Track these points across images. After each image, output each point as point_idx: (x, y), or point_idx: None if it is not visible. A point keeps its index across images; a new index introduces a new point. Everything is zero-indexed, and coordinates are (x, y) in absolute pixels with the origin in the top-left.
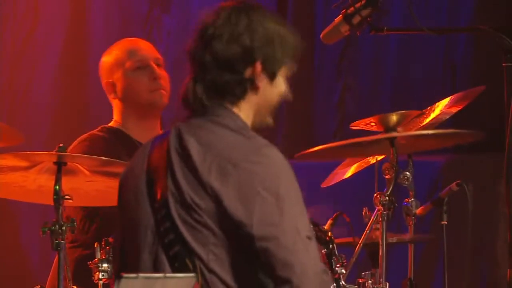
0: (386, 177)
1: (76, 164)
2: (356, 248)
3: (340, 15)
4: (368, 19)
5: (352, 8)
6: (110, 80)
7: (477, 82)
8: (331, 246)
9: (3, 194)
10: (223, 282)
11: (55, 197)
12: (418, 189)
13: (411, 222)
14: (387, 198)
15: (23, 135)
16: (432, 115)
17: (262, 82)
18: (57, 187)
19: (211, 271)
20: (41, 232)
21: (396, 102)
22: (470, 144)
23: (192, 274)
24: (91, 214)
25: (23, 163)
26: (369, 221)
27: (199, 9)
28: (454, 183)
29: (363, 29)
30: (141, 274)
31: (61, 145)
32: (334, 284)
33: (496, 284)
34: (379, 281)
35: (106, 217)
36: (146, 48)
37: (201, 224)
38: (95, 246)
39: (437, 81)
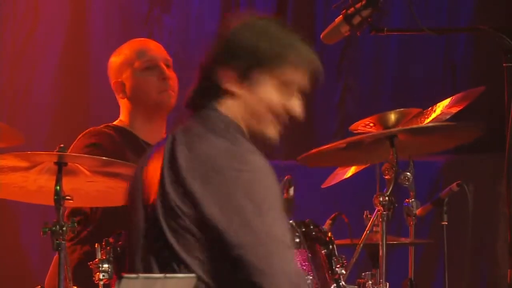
0: (386, 177)
1: (77, 164)
2: (356, 249)
3: (340, 16)
4: (369, 19)
5: (352, 9)
6: (119, 80)
7: (477, 83)
8: (331, 246)
9: (3, 194)
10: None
11: (55, 197)
12: (419, 190)
13: (411, 223)
14: (386, 198)
15: (23, 135)
16: (433, 115)
17: (236, 86)
18: (58, 187)
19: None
20: (41, 233)
21: (397, 102)
22: (470, 145)
23: (192, 275)
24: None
25: (24, 164)
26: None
27: (199, 9)
28: (455, 183)
29: (364, 29)
30: (141, 275)
31: (62, 145)
32: (334, 285)
33: (496, 284)
34: (379, 281)
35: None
36: (155, 49)
37: (186, 230)
38: (96, 246)
39: (437, 81)
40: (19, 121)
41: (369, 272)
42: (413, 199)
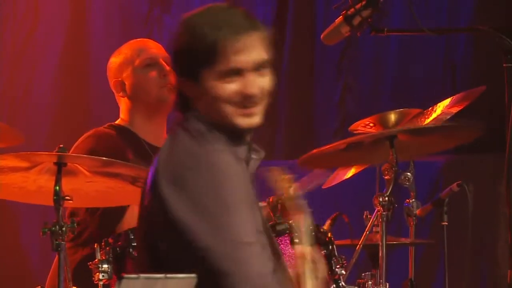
0: (386, 177)
1: (76, 164)
2: (356, 249)
3: (341, 16)
4: (369, 20)
5: (352, 9)
6: (119, 79)
7: (478, 83)
8: (331, 247)
9: (3, 195)
10: None
11: (55, 197)
12: (419, 190)
13: (412, 223)
14: (386, 198)
15: (23, 135)
16: (433, 115)
17: (191, 90)
18: (57, 187)
19: None
20: (41, 233)
21: (397, 102)
22: (471, 145)
23: (193, 275)
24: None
25: (23, 164)
26: (368, 223)
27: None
28: (455, 183)
29: (364, 30)
30: (142, 275)
31: (61, 145)
32: (334, 285)
33: (496, 284)
34: (379, 282)
35: (108, 211)
36: (155, 47)
37: (162, 236)
38: (95, 246)
39: (437, 82)
40: (19, 121)
41: (369, 273)
42: (413, 200)
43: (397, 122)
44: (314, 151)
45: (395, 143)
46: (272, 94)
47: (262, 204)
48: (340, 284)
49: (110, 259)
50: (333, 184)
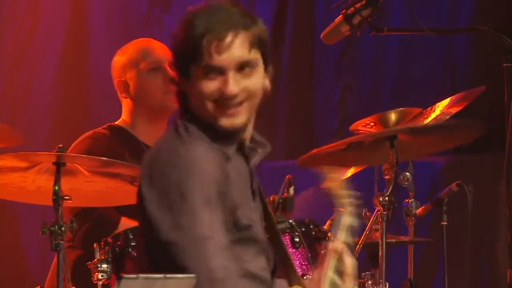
0: (386, 177)
1: (76, 164)
2: (356, 249)
3: (340, 15)
4: (369, 19)
5: (352, 8)
6: (123, 79)
7: (477, 83)
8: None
9: (2, 195)
10: None
11: (54, 197)
12: (418, 190)
13: (411, 223)
14: (386, 198)
15: (22, 135)
16: (433, 115)
17: (182, 86)
18: (56, 187)
19: None
20: (40, 233)
21: (397, 102)
22: (470, 145)
23: (192, 275)
24: (79, 217)
25: (23, 164)
26: (368, 222)
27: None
28: (454, 183)
29: (364, 29)
30: (141, 275)
31: (61, 145)
32: None
33: (496, 284)
34: (379, 281)
35: (98, 222)
36: (160, 49)
37: (145, 234)
38: (94, 246)
39: (437, 81)
40: (19, 121)
41: (369, 272)
42: (412, 199)
43: (398, 122)
44: (314, 151)
45: (395, 143)
46: (261, 95)
47: None
48: None
49: (109, 259)
50: None
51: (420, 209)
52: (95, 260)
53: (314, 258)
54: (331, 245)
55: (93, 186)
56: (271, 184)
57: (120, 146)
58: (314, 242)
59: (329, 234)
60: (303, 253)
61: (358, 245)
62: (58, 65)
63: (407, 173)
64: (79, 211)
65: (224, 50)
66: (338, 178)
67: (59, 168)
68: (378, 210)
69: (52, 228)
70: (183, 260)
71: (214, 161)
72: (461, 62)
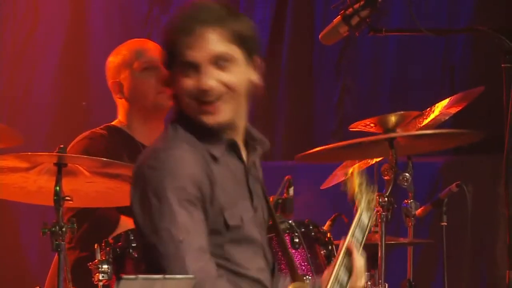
0: (385, 178)
1: (76, 165)
2: None
3: (339, 16)
4: (367, 20)
5: (351, 9)
6: (117, 80)
7: (476, 83)
8: (330, 247)
9: (3, 195)
10: None
11: (55, 198)
12: (418, 190)
13: (410, 223)
14: (386, 199)
15: (23, 136)
16: (431, 116)
17: (171, 85)
18: (58, 188)
19: None
20: (41, 233)
21: (395, 103)
22: (470, 145)
23: (191, 276)
24: (79, 217)
25: (24, 164)
26: None
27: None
28: (454, 184)
29: (362, 30)
30: (140, 275)
31: (62, 146)
32: None
33: (495, 285)
34: (378, 282)
35: (97, 222)
36: (154, 49)
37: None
38: (95, 247)
39: (436, 82)
40: (19, 122)
41: (368, 273)
42: (412, 200)
43: (397, 124)
44: (313, 150)
45: (394, 143)
46: (245, 89)
47: None
48: None
49: (110, 259)
50: (332, 184)
51: (419, 210)
52: (96, 261)
53: (314, 259)
54: (342, 242)
55: (94, 187)
56: (270, 184)
57: (118, 146)
58: (314, 243)
59: (329, 235)
60: (302, 254)
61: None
62: (58, 65)
63: (407, 174)
64: (78, 211)
65: (194, 45)
66: (356, 173)
67: (60, 169)
68: (378, 211)
69: (53, 229)
70: (161, 263)
71: (195, 163)
72: (460, 62)
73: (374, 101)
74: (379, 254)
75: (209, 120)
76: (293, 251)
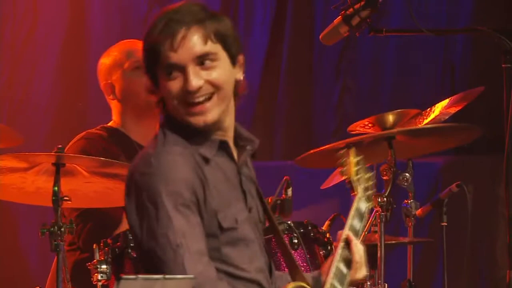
0: (384, 178)
1: (75, 165)
2: None
3: (339, 16)
4: (367, 20)
5: (351, 9)
6: (109, 82)
7: (476, 83)
8: (329, 247)
9: (1, 195)
10: None
11: (53, 198)
12: (418, 190)
13: (410, 224)
14: (385, 199)
15: (22, 136)
16: (431, 116)
17: (156, 90)
18: (56, 188)
19: None
20: (39, 234)
21: (395, 103)
22: (470, 145)
23: (191, 276)
24: (83, 216)
25: (22, 164)
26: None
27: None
28: (454, 184)
29: (362, 30)
30: (140, 275)
31: (60, 146)
32: None
33: (495, 285)
34: (378, 282)
35: (102, 221)
36: None
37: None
38: (94, 247)
39: (436, 82)
40: (18, 122)
41: (368, 273)
42: (412, 200)
43: (396, 123)
44: (312, 151)
45: (393, 143)
46: (231, 87)
47: None
48: None
49: (109, 259)
50: (331, 185)
51: (419, 210)
52: (95, 261)
53: (313, 259)
54: (339, 233)
55: (92, 187)
56: (269, 184)
57: (115, 147)
58: (313, 243)
59: (328, 235)
60: (301, 254)
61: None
62: (58, 65)
63: (407, 174)
64: (83, 211)
65: (178, 46)
66: (354, 161)
67: (59, 169)
68: (377, 211)
69: (52, 229)
70: (160, 268)
71: (187, 167)
72: (460, 62)
73: (374, 101)
74: (379, 254)
75: (198, 121)
76: (292, 251)
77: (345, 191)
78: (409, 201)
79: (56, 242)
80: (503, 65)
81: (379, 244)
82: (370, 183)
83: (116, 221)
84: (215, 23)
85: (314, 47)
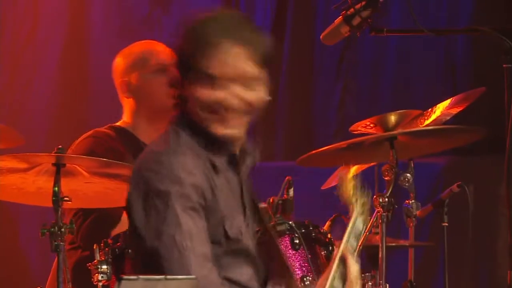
0: (386, 178)
1: (75, 165)
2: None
3: (340, 17)
4: (368, 20)
5: (352, 10)
6: (126, 79)
7: (477, 84)
8: (330, 248)
9: (2, 196)
10: None
11: (54, 198)
12: (419, 191)
13: (411, 224)
14: (386, 199)
15: (22, 136)
16: (433, 117)
17: (184, 90)
18: (56, 188)
19: None
20: (40, 234)
21: (396, 104)
22: (471, 146)
23: (193, 276)
24: (82, 213)
25: (22, 165)
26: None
27: (200, 10)
28: (455, 184)
29: (363, 30)
30: (141, 276)
31: (60, 146)
32: None
33: (496, 285)
34: (379, 283)
35: (100, 217)
36: (165, 52)
37: (133, 239)
38: (94, 247)
39: (437, 83)
40: (18, 122)
41: (369, 274)
42: (413, 200)
43: (397, 123)
44: (313, 152)
45: (395, 143)
46: (260, 109)
47: (262, 205)
48: None
49: (109, 260)
50: (333, 185)
51: (420, 210)
52: (95, 261)
53: (314, 260)
54: (336, 250)
55: (93, 187)
56: (270, 185)
57: (122, 146)
58: (314, 244)
59: (329, 235)
60: (303, 254)
61: (358, 247)
62: (58, 66)
63: (408, 174)
64: (81, 208)
65: (225, 61)
66: (349, 179)
67: (59, 169)
68: (378, 211)
69: (52, 229)
70: (164, 269)
71: (198, 170)
72: (461, 63)
73: (375, 102)
74: (380, 255)
75: (220, 130)
76: (294, 252)
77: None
78: (410, 202)
79: (56, 243)
80: (504, 65)
81: (380, 244)
82: (367, 200)
83: (115, 218)
84: (263, 43)
85: (315, 47)
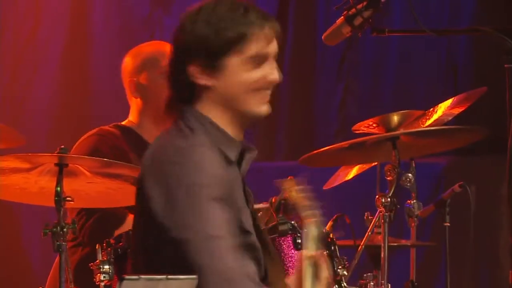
0: (388, 178)
1: (77, 165)
2: (358, 250)
3: (342, 17)
4: (370, 20)
5: (353, 10)
6: (135, 79)
7: (479, 84)
8: (333, 248)
9: (4, 196)
10: None
11: (56, 198)
12: (420, 191)
13: (413, 224)
14: (388, 199)
15: (24, 136)
16: (435, 117)
17: (206, 79)
18: (59, 188)
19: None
20: (42, 234)
21: (398, 104)
22: (473, 146)
23: (194, 276)
24: (86, 211)
25: (25, 165)
26: (370, 224)
27: None
28: (457, 184)
29: (365, 30)
30: (143, 276)
31: (63, 146)
32: (336, 286)
33: (498, 285)
34: (381, 283)
35: (105, 216)
36: None
37: (146, 234)
38: (96, 247)
39: (438, 83)
40: (20, 122)
41: (371, 274)
42: (414, 201)
43: (400, 123)
44: (315, 152)
45: (397, 143)
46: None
47: (264, 204)
48: (342, 284)
49: (111, 260)
50: (335, 185)
51: (422, 210)
52: (97, 261)
53: None
54: (303, 254)
55: (95, 187)
56: (271, 185)
57: (126, 145)
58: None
59: (331, 235)
60: None
61: (360, 247)
62: (59, 66)
63: (409, 174)
64: (85, 207)
65: (269, 39)
66: (296, 189)
67: (61, 169)
68: (380, 211)
69: (54, 229)
70: (194, 258)
71: (218, 162)
72: (462, 63)
73: (376, 102)
74: (382, 255)
75: (265, 110)
76: (296, 251)
77: (348, 192)
78: (412, 202)
79: (58, 243)
80: (505, 65)
81: (382, 244)
82: (310, 203)
83: (120, 218)
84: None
85: (317, 48)
